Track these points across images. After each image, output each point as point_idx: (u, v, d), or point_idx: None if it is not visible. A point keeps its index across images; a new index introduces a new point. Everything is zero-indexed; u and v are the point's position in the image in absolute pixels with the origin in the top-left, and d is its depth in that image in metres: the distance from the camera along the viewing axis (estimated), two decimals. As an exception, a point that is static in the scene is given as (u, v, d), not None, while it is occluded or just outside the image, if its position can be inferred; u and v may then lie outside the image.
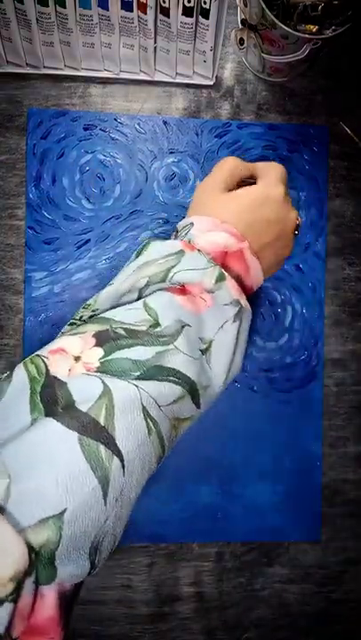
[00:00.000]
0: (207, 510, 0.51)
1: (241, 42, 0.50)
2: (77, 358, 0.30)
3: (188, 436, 0.51)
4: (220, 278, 0.34)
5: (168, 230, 0.51)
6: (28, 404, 0.28)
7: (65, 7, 0.44)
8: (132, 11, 0.45)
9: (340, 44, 0.45)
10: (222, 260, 0.35)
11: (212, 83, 0.51)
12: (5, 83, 0.50)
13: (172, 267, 0.33)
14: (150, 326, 0.32)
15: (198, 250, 0.34)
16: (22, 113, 0.50)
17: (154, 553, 0.51)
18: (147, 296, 0.34)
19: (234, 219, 0.36)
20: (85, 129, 0.51)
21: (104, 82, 0.51)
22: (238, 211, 0.36)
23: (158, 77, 0.51)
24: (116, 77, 0.51)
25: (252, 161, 0.52)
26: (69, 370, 0.30)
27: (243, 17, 0.49)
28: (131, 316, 0.32)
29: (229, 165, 0.39)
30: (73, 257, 0.50)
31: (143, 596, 0.50)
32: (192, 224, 0.36)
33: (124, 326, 0.31)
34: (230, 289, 0.34)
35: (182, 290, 0.34)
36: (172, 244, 0.34)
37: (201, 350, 0.33)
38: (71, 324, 0.36)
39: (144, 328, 0.31)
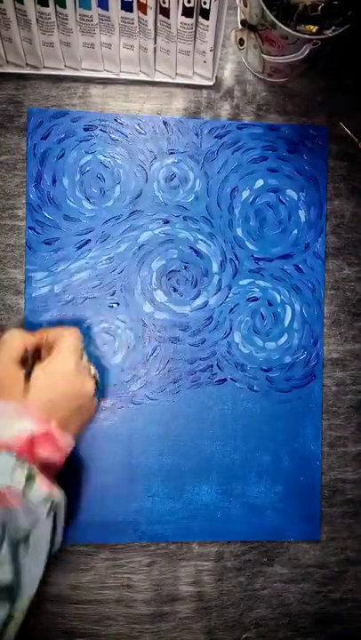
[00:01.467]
0: (207, 510, 0.51)
1: (241, 42, 0.50)
2: None
3: (188, 435, 0.51)
4: (30, 477, 0.35)
5: (168, 230, 0.51)
6: None
7: (65, 7, 0.44)
8: (132, 11, 0.45)
9: (340, 44, 0.45)
10: (29, 448, 0.36)
11: (211, 83, 0.51)
12: (5, 83, 0.50)
13: None
14: None
15: (4, 448, 0.35)
16: (22, 113, 0.50)
17: (154, 552, 0.51)
18: None
19: (35, 400, 0.37)
20: (85, 129, 0.51)
21: (104, 82, 0.51)
22: (38, 391, 0.38)
23: (158, 78, 0.51)
24: (116, 78, 0.51)
25: (252, 161, 0.52)
26: None
27: (243, 17, 0.49)
28: None
29: (10, 342, 0.40)
30: (73, 257, 0.50)
31: (143, 596, 0.50)
32: None
33: None
34: (40, 487, 0.35)
35: None
36: None
37: (18, 540, 0.34)
38: None
39: None
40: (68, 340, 0.41)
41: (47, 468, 0.38)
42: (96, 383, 0.43)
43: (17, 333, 0.40)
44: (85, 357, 0.43)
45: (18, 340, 0.40)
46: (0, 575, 0.32)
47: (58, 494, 0.37)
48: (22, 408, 0.37)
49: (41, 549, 0.35)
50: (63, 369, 0.39)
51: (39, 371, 0.39)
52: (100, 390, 0.44)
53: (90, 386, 0.41)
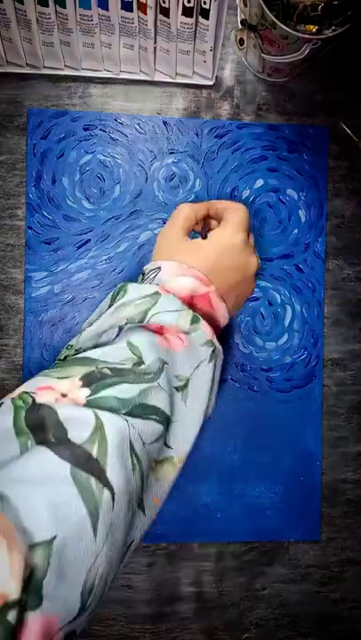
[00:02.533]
0: (207, 510, 0.51)
1: (241, 42, 0.50)
2: (64, 395, 0.31)
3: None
4: (195, 320, 0.36)
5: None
6: (13, 428, 0.28)
7: (65, 7, 0.44)
8: (132, 11, 0.45)
9: (340, 43, 0.45)
10: (190, 302, 0.37)
11: (211, 83, 0.51)
12: (5, 83, 0.50)
13: (149, 308, 0.35)
14: (135, 364, 0.33)
15: (172, 293, 0.36)
16: (22, 113, 0.50)
17: (154, 553, 0.51)
18: (127, 333, 0.35)
19: (199, 265, 0.39)
20: (85, 129, 0.51)
21: (104, 82, 0.51)
22: (202, 258, 0.39)
23: (158, 77, 0.51)
24: (116, 77, 0.51)
25: (252, 161, 0.52)
26: (56, 399, 0.30)
27: (243, 17, 0.49)
28: (116, 355, 0.33)
29: (183, 214, 0.41)
30: (73, 257, 0.50)
31: (143, 596, 0.50)
32: (159, 268, 0.38)
33: (110, 366, 0.32)
34: (204, 330, 0.36)
35: (160, 329, 0.36)
36: (149, 287, 0.37)
37: (176, 387, 0.34)
38: (56, 364, 0.36)
39: (129, 366, 0.33)
40: (237, 214, 0.41)
41: None
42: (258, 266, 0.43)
43: (188, 206, 0.42)
44: (252, 237, 0.43)
45: (189, 212, 0.41)
46: (155, 400, 0.32)
47: (218, 345, 0.37)
48: (185, 267, 0.38)
49: (198, 403, 0.35)
50: (230, 241, 0.40)
51: (205, 241, 0.40)
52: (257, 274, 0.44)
53: (254, 263, 0.41)
